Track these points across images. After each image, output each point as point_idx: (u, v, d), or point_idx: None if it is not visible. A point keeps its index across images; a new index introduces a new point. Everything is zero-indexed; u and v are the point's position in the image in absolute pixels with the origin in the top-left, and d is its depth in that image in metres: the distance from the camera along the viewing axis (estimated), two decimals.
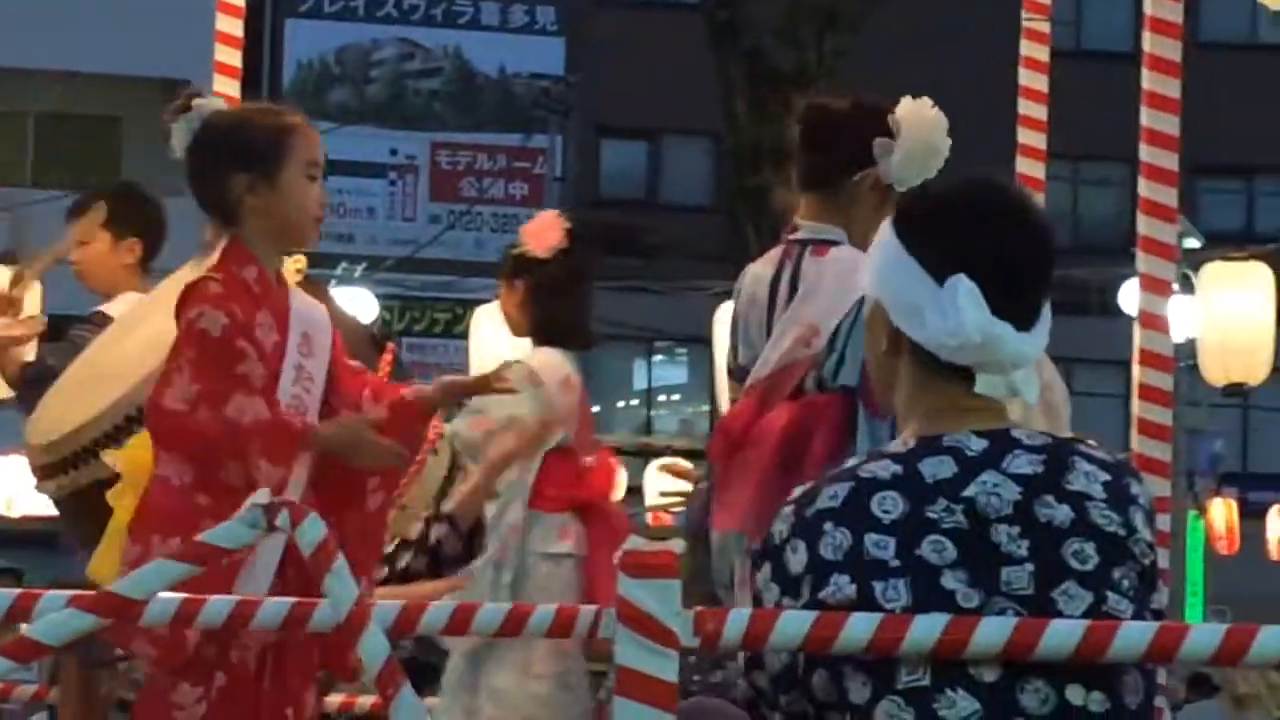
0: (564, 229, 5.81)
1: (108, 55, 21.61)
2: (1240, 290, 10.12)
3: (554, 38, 23.62)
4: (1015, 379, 2.85)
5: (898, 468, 2.77)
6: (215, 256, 4.32)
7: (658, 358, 28.31)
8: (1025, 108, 5.74)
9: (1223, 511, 18.68)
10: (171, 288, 5.52)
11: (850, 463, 2.84)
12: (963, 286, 2.77)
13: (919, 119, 4.30)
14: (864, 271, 2.97)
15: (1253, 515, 19.35)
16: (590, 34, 23.64)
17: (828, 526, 2.73)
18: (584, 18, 24.03)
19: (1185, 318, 6.44)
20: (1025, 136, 5.73)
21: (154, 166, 6.85)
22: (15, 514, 13.76)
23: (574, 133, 23.53)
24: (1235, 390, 10.38)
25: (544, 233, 5.79)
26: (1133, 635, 2.67)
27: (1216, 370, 9.90)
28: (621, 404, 28.15)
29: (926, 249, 2.85)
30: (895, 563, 2.69)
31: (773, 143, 9.70)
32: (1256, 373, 9.97)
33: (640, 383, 28.54)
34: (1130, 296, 11.73)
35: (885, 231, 2.91)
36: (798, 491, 2.84)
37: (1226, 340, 9.83)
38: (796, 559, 2.75)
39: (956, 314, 2.78)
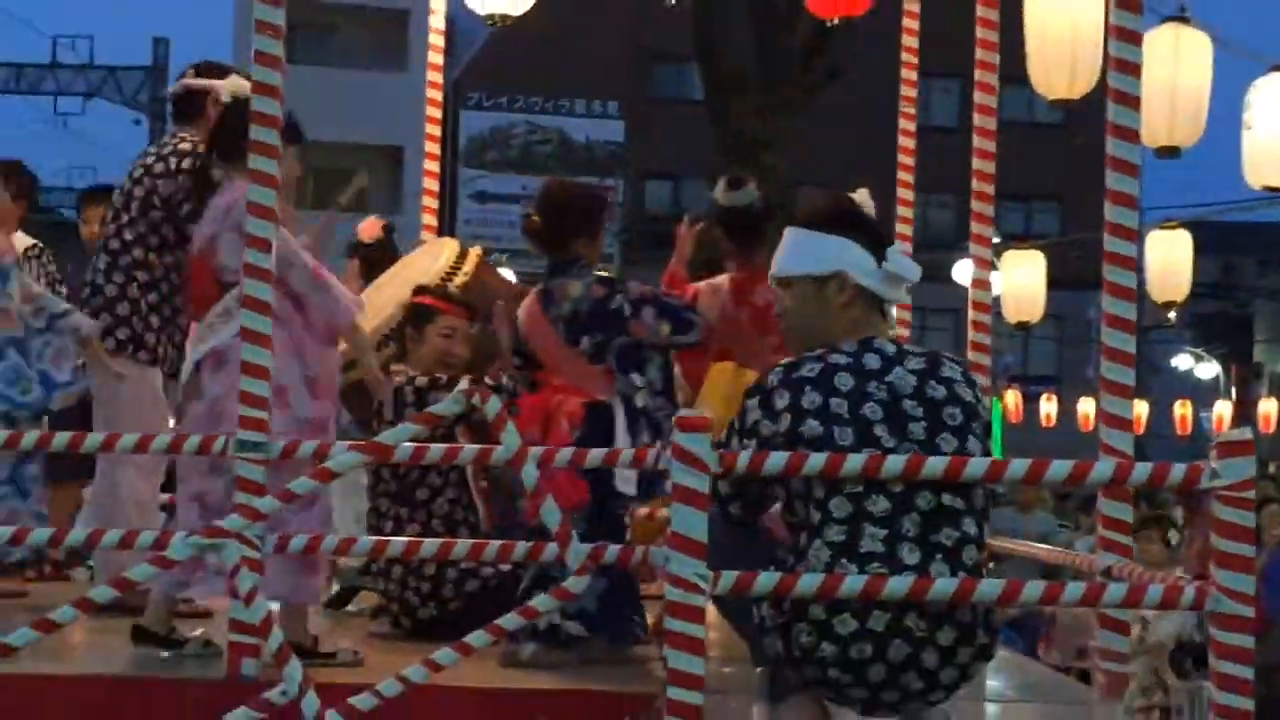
0: (382, 226, 7.40)
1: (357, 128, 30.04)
2: (1025, 267, 13.75)
3: (617, 120, 35.66)
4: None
5: (849, 359, 3.99)
6: None
7: None
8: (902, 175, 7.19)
9: (1012, 398, 26.32)
10: (416, 257, 6.85)
11: (820, 350, 3.99)
12: (896, 253, 4.21)
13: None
14: (815, 259, 4.17)
15: (1030, 399, 27.54)
16: (639, 117, 34.91)
17: (806, 388, 3.93)
18: (634, 111, 35.15)
19: (994, 284, 8.04)
20: (903, 178, 7.17)
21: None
22: None
23: (629, 177, 34.75)
24: (1023, 326, 14.19)
25: (370, 228, 7.34)
26: (977, 465, 3.87)
27: (1012, 314, 13.49)
28: None
29: (861, 237, 4.26)
30: (846, 417, 3.90)
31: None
32: (1035, 315, 13.78)
33: None
34: (963, 271, 14.32)
35: (817, 235, 4.21)
36: (785, 361, 4.02)
37: (1018, 296, 13.49)
38: (781, 401, 3.93)
39: (904, 265, 4.19)
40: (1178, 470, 3.97)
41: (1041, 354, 35.93)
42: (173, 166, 6.02)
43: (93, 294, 6.07)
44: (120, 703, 4.75)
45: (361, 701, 4.14)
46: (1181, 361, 34.81)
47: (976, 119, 6.44)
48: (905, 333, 6.82)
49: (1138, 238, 4.86)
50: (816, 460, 3.87)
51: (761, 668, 4.14)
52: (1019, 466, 3.99)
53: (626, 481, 5.23)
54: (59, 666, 4.94)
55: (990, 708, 4.86)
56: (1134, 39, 4.87)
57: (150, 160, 6.11)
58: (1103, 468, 4.25)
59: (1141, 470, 4.09)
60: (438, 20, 8.02)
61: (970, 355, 6.16)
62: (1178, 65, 7.47)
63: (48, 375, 5.26)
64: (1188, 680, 7.66)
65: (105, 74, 33.72)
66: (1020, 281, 13.49)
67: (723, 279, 6.03)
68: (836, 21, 7.47)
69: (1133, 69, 4.84)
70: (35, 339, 5.25)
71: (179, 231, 5.94)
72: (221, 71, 6.32)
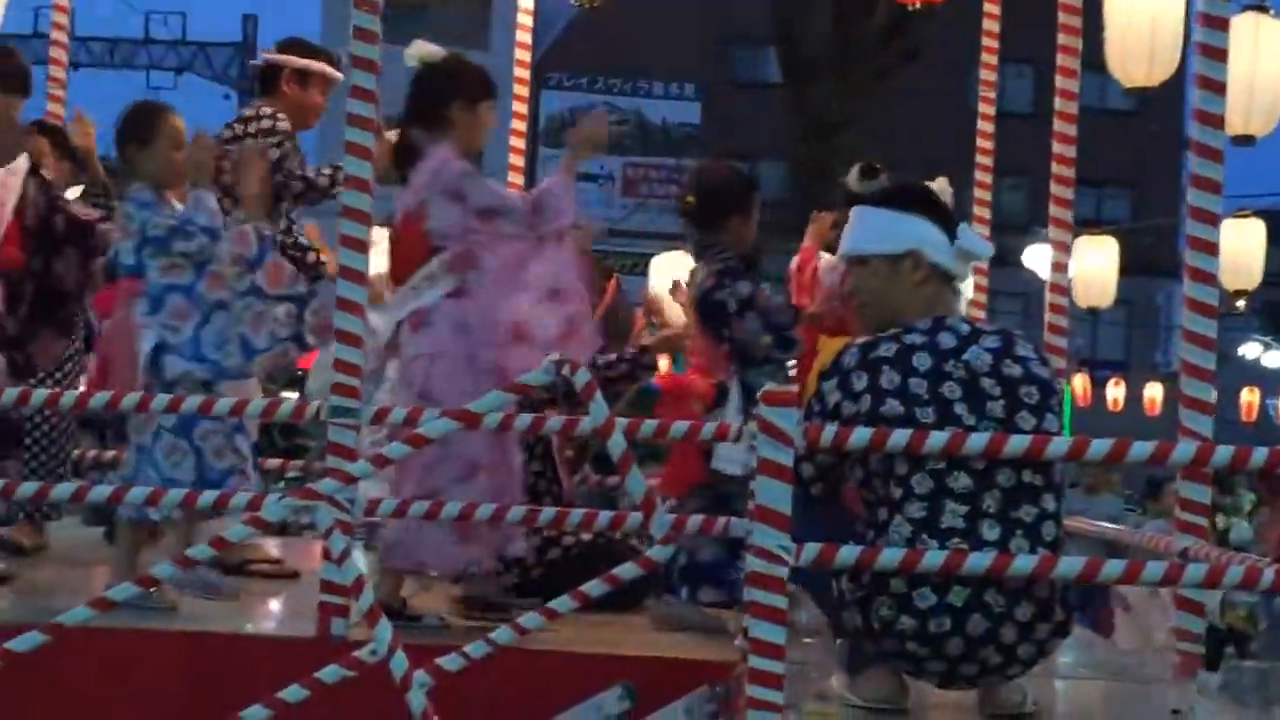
0: None
1: None
2: (1098, 253, 13.39)
3: (693, 102, 35.47)
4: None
5: (925, 339, 3.99)
6: None
7: None
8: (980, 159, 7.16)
9: (1080, 382, 25.08)
10: None
11: (895, 330, 4.00)
12: (967, 230, 4.20)
13: None
14: (889, 237, 4.20)
15: (1098, 384, 26.63)
16: (716, 100, 34.69)
17: (884, 368, 3.95)
18: (713, 90, 34.91)
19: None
20: (981, 161, 7.14)
21: None
22: None
23: (706, 156, 34.05)
24: (1093, 310, 14.30)
25: None
26: (1060, 444, 3.87)
27: (1083, 299, 12.81)
28: None
29: (933, 215, 4.26)
30: (926, 396, 3.92)
31: (825, 164, 12.67)
32: (1106, 300, 13.49)
33: None
34: (1034, 256, 14.32)
35: (891, 213, 4.23)
36: (860, 341, 4.04)
37: (1089, 281, 13.04)
38: (860, 382, 3.95)
39: (976, 242, 4.18)
40: (1260, 454, 3.94)
41: (1110, 339, 35.69)
42: (250, 132, 6.10)
43: None
44: (211, 659, 4.80)
45: (449, 662, 4.16)
46: (1249, 350, 34.41)
47: (1058, 103, 6.39)
48: (980, 314, 6.78)
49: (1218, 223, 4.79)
50: (900, 437, 3.87)
51: (841, 639, 4.15)
52: (1100, 446, 3.97)
53: (730, 462, 5.17)
54: (152, 622, 4.98)
55: (1062, 685, 4.82)
56: (1221, 25, 4.82)
57: (226, 135, 6.17)
58: (1184, 449, 4.22)
59: (1224, 453, 4.05)
60: (526, 1, 8.01)
61: (1046, 338, 6.14)
62: (1257, 54, 7.35)
63: (247, 340, 5.22)
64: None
65: (196, 49, 33.95)
66: (1092, 267, 13.26)
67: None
68: (918, 6, 7.42)
69: (1219, 55, 4.79)
70: (237, 301, 5.22)
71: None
72: (302, 49, 6.39)
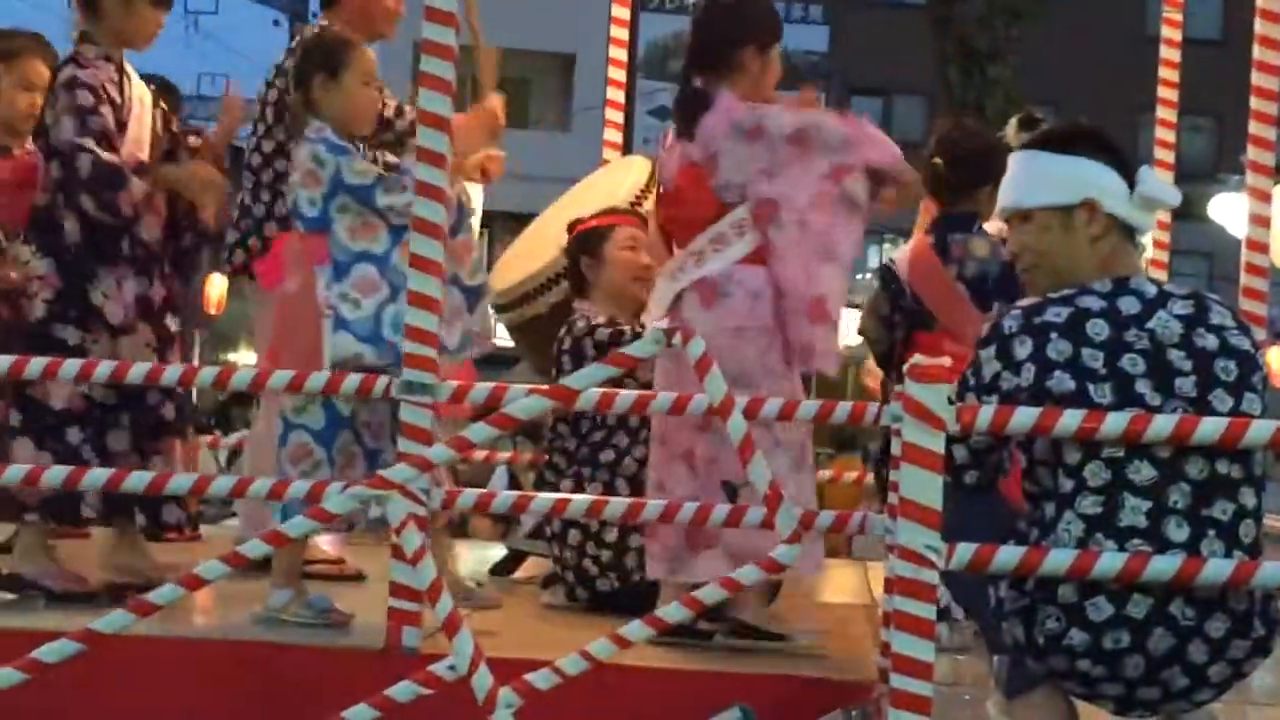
0: None
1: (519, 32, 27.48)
2: None
3: (820, 26, 35.67)
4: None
5: (1103, 303, 3.96)
6: None
7: None
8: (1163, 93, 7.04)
9: (1276, 355, 22.68)
10: (599, 179, 6.83)
11: (1067, 292, 3.97)
12: (1149, 173, 4.16)
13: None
14: (1059, 186, 4.17)
15: None
16: (845, 24, 35.41)
17: (1053, 336, 3.90)
18: (841, 13, 35.84)
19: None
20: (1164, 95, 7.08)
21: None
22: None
23: (833, 90, 33.47)
24: None
25: None
26: (1262, 428, 3.84)
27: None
28: None
29: (1108, 157, 4.22)
30: (1103, 370, 3.90)
31: (975, 101, 12.68)
32: None
33: None
34: (1222, 208, 14.40)
35: (1063, 158, 4.20)
36: (1025, 302, 4.00)
37: None
38: (1023, 350, 3.92)
39: (1162, 189, 4.15)
40: None
41: None
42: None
43: (241, 215, 6.19)
44: (261, 672, 4.85)
45: (540, 679, 4.20)
46: None
47: (1259, 26, 6.28)
48: (1161, 275, 6.72)
49: None
50: (1072, 419, 3.86)
51: (998, 656, 4.13)
52: None
53: None
54: (192, 630, 5.05)
55: (1259, 712, 4.79)
56: None
57: (285, 60, 6.14)
58: None
59: None
60: None
61: (1241, 303, 6.02)
62: None
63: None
64: None
65: None
66: None
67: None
68: None
69: None
70: (459, 296, 5.21)
71: None
72: None
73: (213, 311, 9.12)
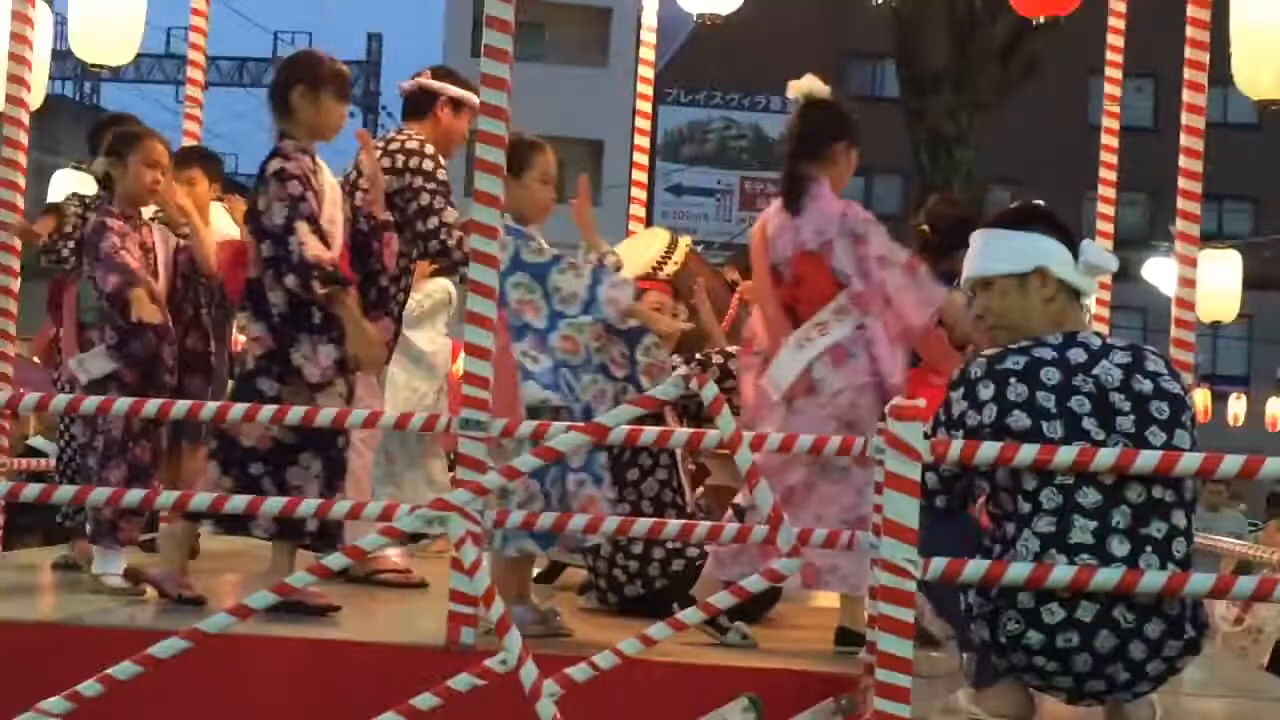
0: None
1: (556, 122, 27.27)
2: (1221, 266, 13.45)
3: None
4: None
5: (1055, 353, 3.95)
6: None
7: None
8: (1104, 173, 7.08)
9: (1201, 397, 23.94)
10: (626, 247, 6.69)
11: (1024, 344, 3.97)
12: (1090, 245, 4.16)
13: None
14: (1014, 256, 4.16)
15: (1218, 399, 25.65)
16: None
17: (1012, 380, 3.90)
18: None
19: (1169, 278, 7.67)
20: (1104, 175, 7.10)
21: None
22: None
23: None
24: (1216, 324, 14.16)
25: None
26: (1191, 459, 3.80)
27: (1205, 313, 12.32)
28: None
29: (1054, 231, 4.21)
30: (1055, 410, 3.88)
31: (943, 179, 12.73)
32: (1229, 315, 13.57)
33: None
34: (1153, 270, 14.38)
35: (1014, 233, 4.19)
36: (989, 352, 4.00)
37: (1212, 295, 12.77)
38: (986, 392, 3.92)
39: (1101, 256, 4.14)
40: None
41: (1231, 354, 35.15)
42: (399, 164, 6.11)
43: None
44: (340, 667, 4.83)
45: (578, 672, 4.19)
46: None
47: (1185, 118, 6.31)
48: (1103, 328, 6.71)
49: None
50: (1028, 451, 3.84)
51: (967, 653, 4.12)
52: (1233, 462, 3.90)
53: None
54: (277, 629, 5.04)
55: (1191, 702, 4.75)
56: None
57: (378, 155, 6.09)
58: None
59: None
60: (649, 17, 7.98)
61: (1173, 352, 6.05)
62: None
63: (608, 370, 5.21)
64: None
65: None
66: (1215, 281, 13.05)
67: None
68: (1042, 20, 7.34)
69: None
70: (588, 373, 5.17)
71: (403, 225, 5.99)
72: (455, 78, 6.42)
73: None
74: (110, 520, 5.77)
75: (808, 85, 5.51)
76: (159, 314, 5.87)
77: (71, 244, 6.75)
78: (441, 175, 6.21)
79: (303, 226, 5.31)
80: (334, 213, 5.55)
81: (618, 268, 5.32)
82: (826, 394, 5.20)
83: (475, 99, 6.24)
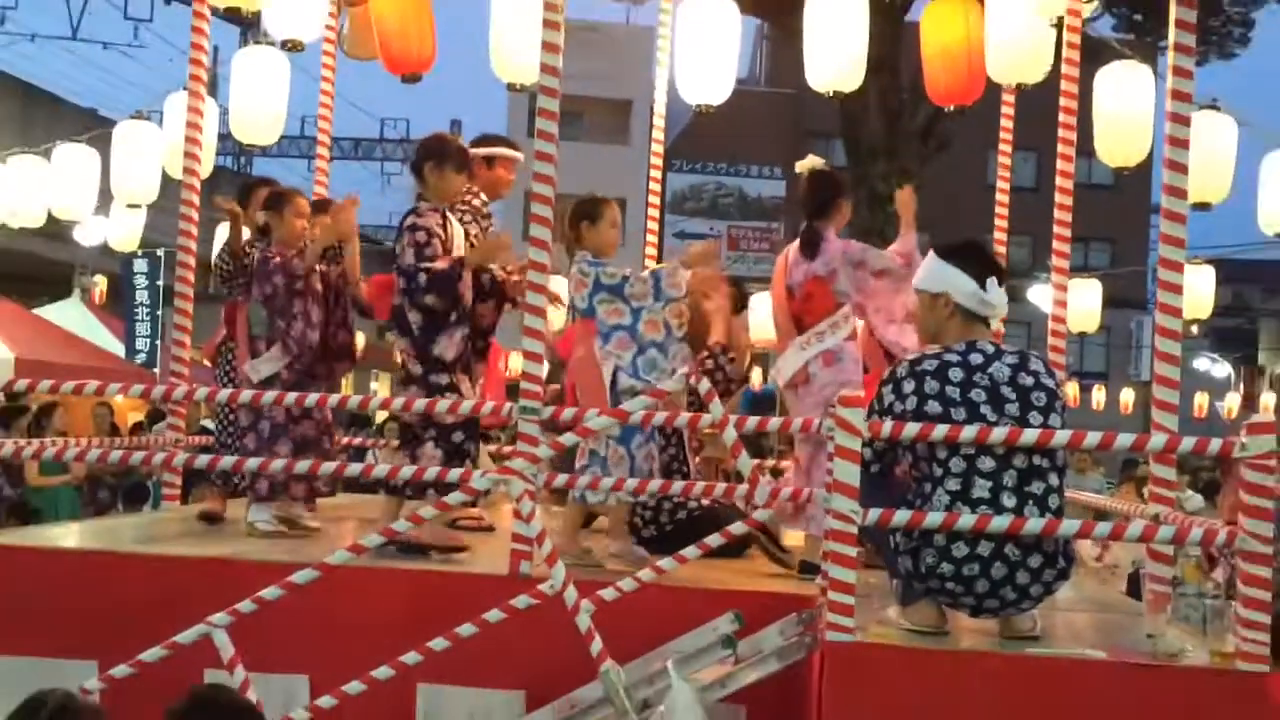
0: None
1: (586, 183, 26.04)
2: (1086, 291, 13.16)
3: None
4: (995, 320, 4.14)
5: (959, 357, 3.93)
6: None
7: None
8: (998, 221, 6.97)
9: (1071, 388, 23.42)
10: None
11: (936, 349, 3.93)
12: (994, 287, 4.12)
13: None
14: (933, 279, 4.12)
15: (1084, 390, 24.96)
16: (796, 181, 31.67)
17: (927, 378, 3.89)
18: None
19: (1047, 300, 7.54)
20: (998, 223, 7.06)
21: None
22: None
23: (789, 221, 32.36)
24: (1082, 334, 13.54)
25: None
26: (1062, 435, 3.79)
27: (1074, 326, 12.12)
28: None
29: (969, 268, 4.17)
30: (959, 399, 3.86)
31: (879, 229, 12.57)
32: (1091, 327, 13.22)
33: None
34: (1037, 294, 14.20)
35: (939, 262, 4.14)
36: (912, 355, 3.97)
37: (1079, 312, 12.39)
38: (908, 386, 3.90)
39: (995, 295, 4.10)
40: (1215, 443, 3.86)
41: (1093, 356, 35.06)
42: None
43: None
44: (431, 591, 4.75)
45: (607, 594, 4.19)
46: (1201, 364, 33.61)
47: (1059, 180, 6.29)
48: (999, 339, 6.67)
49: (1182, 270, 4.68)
50: (940, 430, 3.84)
51: (896, 580, 4.11)
52: (1094, 437, 3.89)
53: None
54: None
55: (1063, 616, 4.74)
56: (1185, 121, 4.70)
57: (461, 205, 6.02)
58: (1158, 439, 4.12)
59: (1188, 442, 3.96)
60: (660, 108, 8.01)
61: (1050, 355, 6.03)
62: (1212, 141, 7.18)
63: (677, 373, 5.20)
64: None
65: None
66: (1081, 302, 12.93)
67: None
68: (952, 108, 7.31)
69: (1183, 143, 4.67)
70: (673, 344, 5.14)
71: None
72: (486, 140, 6.31)
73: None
74: (282, 483, 5.71)
75: (810, 162, 5.49)
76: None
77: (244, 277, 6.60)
78: (479, 206, 6.16)
79: (427, 265, 5.27)
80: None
81: (674, 269, 5.29)
82: (816, 386, 5.15)
83: (503, 151, 6.22)
